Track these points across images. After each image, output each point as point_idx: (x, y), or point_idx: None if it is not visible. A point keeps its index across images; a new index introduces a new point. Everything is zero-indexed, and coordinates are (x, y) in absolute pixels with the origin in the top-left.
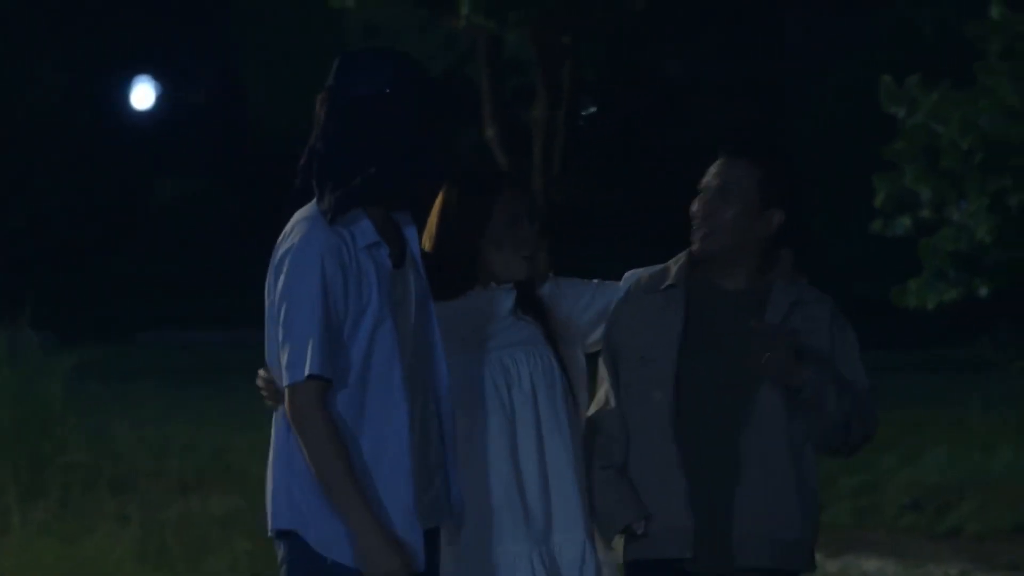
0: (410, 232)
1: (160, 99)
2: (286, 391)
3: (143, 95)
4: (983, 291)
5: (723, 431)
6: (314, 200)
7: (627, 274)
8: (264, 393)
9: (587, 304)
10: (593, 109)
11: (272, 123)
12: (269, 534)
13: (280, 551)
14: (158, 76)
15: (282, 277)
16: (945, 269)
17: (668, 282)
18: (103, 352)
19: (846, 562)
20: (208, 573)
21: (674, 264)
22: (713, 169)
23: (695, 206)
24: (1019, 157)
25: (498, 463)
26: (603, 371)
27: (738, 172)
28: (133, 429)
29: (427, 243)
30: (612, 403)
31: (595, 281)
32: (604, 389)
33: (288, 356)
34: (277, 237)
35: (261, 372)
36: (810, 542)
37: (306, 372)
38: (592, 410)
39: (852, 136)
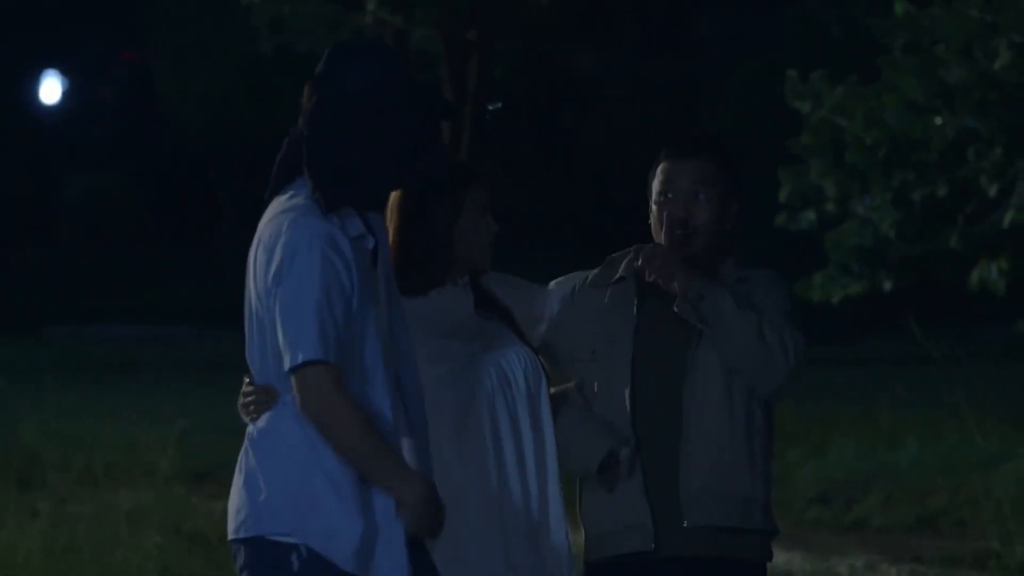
0: (381, 231)
1: (68, 94)
2: (295, 379)
3: (51, 90)
4: (887, 285)
5: (669, 406)
6: (290, 193)
7: (553, 283)
8: (251, 407)
9: (526, 304)
10: (499, 104)
11: (182, 117)
12: (234, 537)
13: (241, 557)
14: (66, 71)
15: (278, 268)
16: (849, 263)
17: (618, 275)
18: (11, 346)
19: None
20: (118, 567)
21: (621, 258)
22: (669, 172)
23: (666, 211)
24: (923, 152)
25: (501, 465)
26: (550, 371)
27: (700, 171)
28: (41, 423)
29: (392, 240)
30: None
31: (520, 280)
32: (562, 387)
33: (289, 341)
34: (186, 231)
35: (247, 385)
36: (763, 500)
37: (312, 355)
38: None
39: (758, 131)
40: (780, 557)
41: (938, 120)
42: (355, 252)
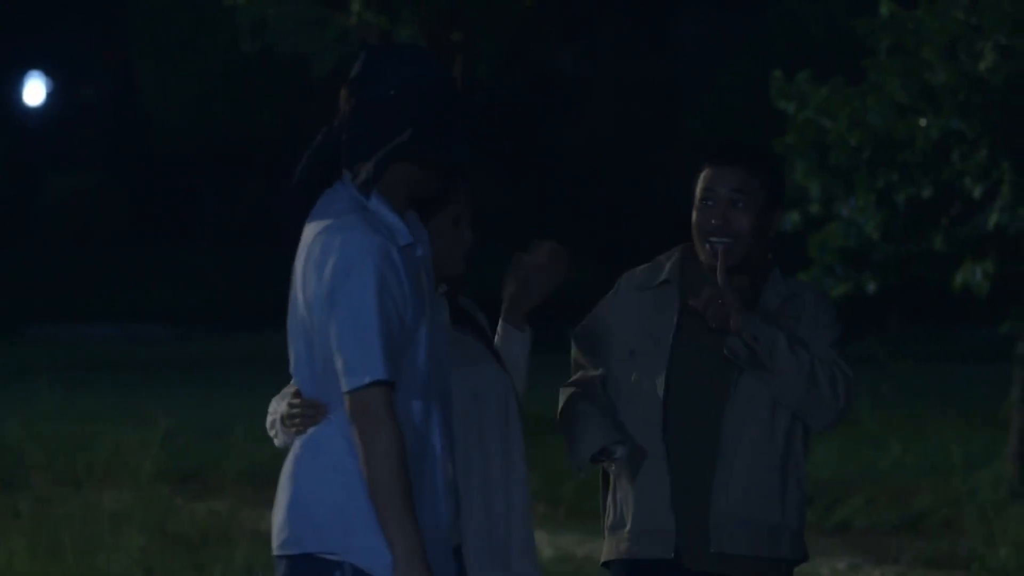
0: (422, 237)
1: (52, 95)
2: (352, 399)
3: (35, 91)
4: (871, 287)
5: (706, 422)
6: (331, 201)
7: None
8: (297, 420)
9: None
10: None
11: (165, 118)
12: (284, 553)
13: (280, 571)
14: (50, 72)
15: (331, 286)
16: (833, 265)
17: (662, 278)
18: None
19: None
20: (101, 569)
21: (666, 260)
22: (712, 178)
23: (703, 217)
24: (907, 153)
25: (472, 489)
26: (581, 361)
27: (743, 180)
28: (24, 424)
29: None
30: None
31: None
32: (580, 373)
33: (352, 361)
34: (169, 231)
35: (293, 398)
36: (795, 528)
37: (376, 376)
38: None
39: (741, 131)
40: None
41: (923, 121)
42: (406, 262)
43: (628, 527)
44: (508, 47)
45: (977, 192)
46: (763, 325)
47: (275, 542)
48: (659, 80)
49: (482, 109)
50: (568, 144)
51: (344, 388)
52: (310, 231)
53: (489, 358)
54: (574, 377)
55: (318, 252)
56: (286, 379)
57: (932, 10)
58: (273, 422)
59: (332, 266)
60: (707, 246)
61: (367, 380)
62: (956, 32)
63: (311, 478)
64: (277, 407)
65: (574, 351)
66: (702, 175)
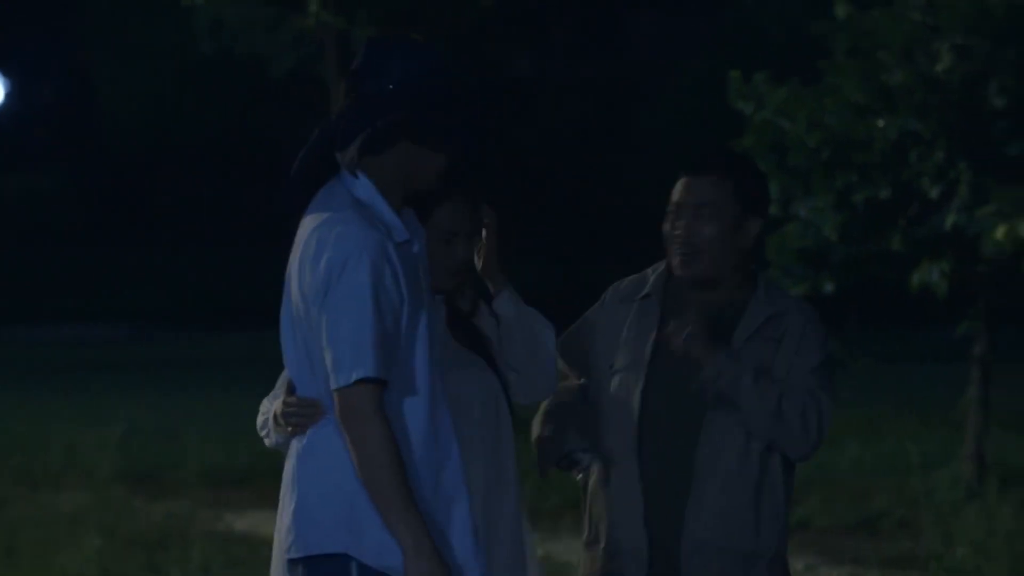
0: (419, 234)
1: (9, 96)
2: (340, 396)
3: None
4: (829, 287)
5: (680, 444)
6: (327, 197)
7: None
8: (294, 419)
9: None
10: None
11: (122, 118)
12: (292, 556)
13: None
14: (6, 72)
15: (325, 281)
16: (792, 266)
17: (644, 291)
18: None
19: None
20: (57, 570)
21: (652, 272)
22: (681, 187)
23: (669, 227)
24: (864, 154)
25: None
26: (566, 371)
27: (710, 189)
28: None
29: None
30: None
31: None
32: (563, 383)
33: (341, 358)
34: (126, 231)
35: (288, 396)
36: (771, 556)
37: (364, 374)
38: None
39: (697, 132)
40: None
41: (880, 122)
42: (403, 259)
43: (603, 544)
44: (465, 48)
45: (934, 193)
46: (728, 362)
47: (284, 546)
48: (615, 81)
49: (487, 104)
50: (522, 144)
51: (333, 385)
52: (306, 226)
53: (477, 364)
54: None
55: (314, 246)
56: (244, 379)
57: (888, 11)
58: (265, 421)
59: (327, 261)
60: (676, 258)
61: (355, 377)
62: (912, 33)
63: (314, 479)
64: (270, 406)
65: (559, 361)
66: (677, 183)
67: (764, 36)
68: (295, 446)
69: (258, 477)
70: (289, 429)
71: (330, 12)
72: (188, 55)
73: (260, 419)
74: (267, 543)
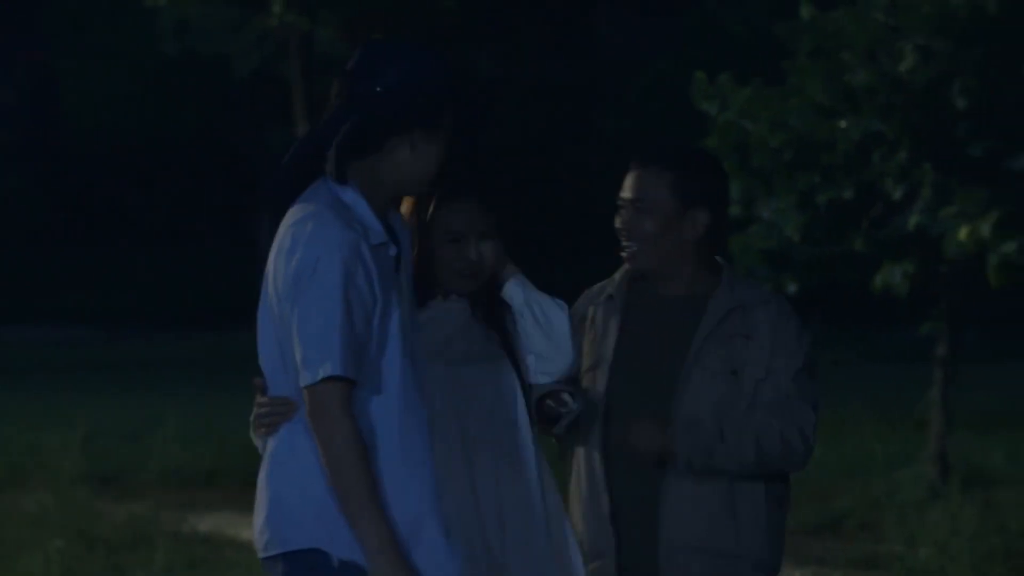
0: (403, 234)
1: None
2: (308, 394)
3: None
4: (792, 288)
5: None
6: (310, 198)
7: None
8: (267, 419)
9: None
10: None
11: (85, 119)
12: (266, 555)
13: (277, 573)
14: None
15: (296, 279)
16: (755, 266)
17: (607, 292)
18: None
19: None
20: (20, 571)
21: (618, 273)
22: (627, 181)
23: (616, 222)
24: (827, 155)
25: (454, 491)
26: None
27: (649, 181)
28: None
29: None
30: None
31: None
32: None
33: (309, 356)
34: (89, 232)
35: (260, 397)
36: (757, 558)
37: (331, 372)
38: None
39: (661, 133)
40: None
41: (843, 123)
42: (377, 261)
43: (584, 547)
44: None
45: (898, 194)
46: (690, 443)
47: (259, 544)
48: (580, 82)
49: (486, 108)
50: (486, 144)
51: (301, 383)
52: (285, 223)
53: (496, 359)
54: None
55: (288, 244)
56: (207, 381)
57: (852, 12)
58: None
59: (299, 258)
60: (623, 253)
61: (322, 375)
62: (876, 34)
63: (288, 477)
64: None
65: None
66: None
67: (728, 37)
68: (270, 445)
69: (222, 478)
70: (262, 431)
71: (293, 13)
72: (152, 56)
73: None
74: (231, 544)
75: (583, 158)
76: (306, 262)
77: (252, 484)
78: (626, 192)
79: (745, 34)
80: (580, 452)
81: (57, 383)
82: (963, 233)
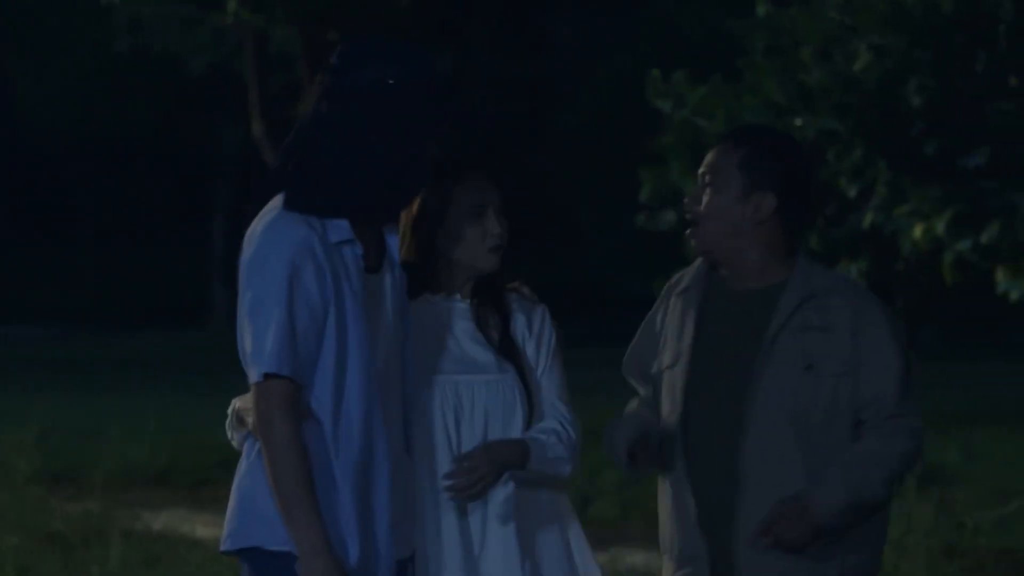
0: (391, 236)
1: None
2: (253, 392)
3: None
4: None
5: (726, 443)
6: (282, 194)
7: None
8: (237, 426)
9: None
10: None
11: (39, 117)
12: (227, 548)
13: (245, 571)
14: None
15: (246, 274)
16: None
17: (683, 284)
18: None
19: (612, 555)
20: None
21: (697, 261)
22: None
23: (686, 200)
24: None
25: (445, 508)
26: (633, 382)
27: (720, 156)
28: None
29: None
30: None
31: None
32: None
33: (252, 355)
34: (42, 230)
35: (236, 402)
36: (840, 560)
37: (270, 370)
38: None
39: (617, 131)
40: (639, 558)
41: (798, 121)
42: (332, 259)
43: (671, 552)
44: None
45: (852, 192)
46: (824, 516)
47: (224, 538)
48: (534, 79)
49: (472, 105)
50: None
51: (249, 380)
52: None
53: (497, 369)
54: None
55: (247, 238)
56: (161, 378)
57: (806, 10)
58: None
59: (250, 255)
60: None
61: (261, 373)
62: (830, 32)
63: (255, 474)
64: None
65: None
66: None
67: (684, 35)
68: (246, 443)
69: (177, 476)
70: (244, 429)
71: (248, 10)
72: (106, 53)
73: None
74: (185, 541)
75: (537, 155)
76: (255, 259)
77: (206, 482)
78: (701, 167)
79: (701, 32)
80: (667, 456)
81: (10, 381)
82: (918, 231)
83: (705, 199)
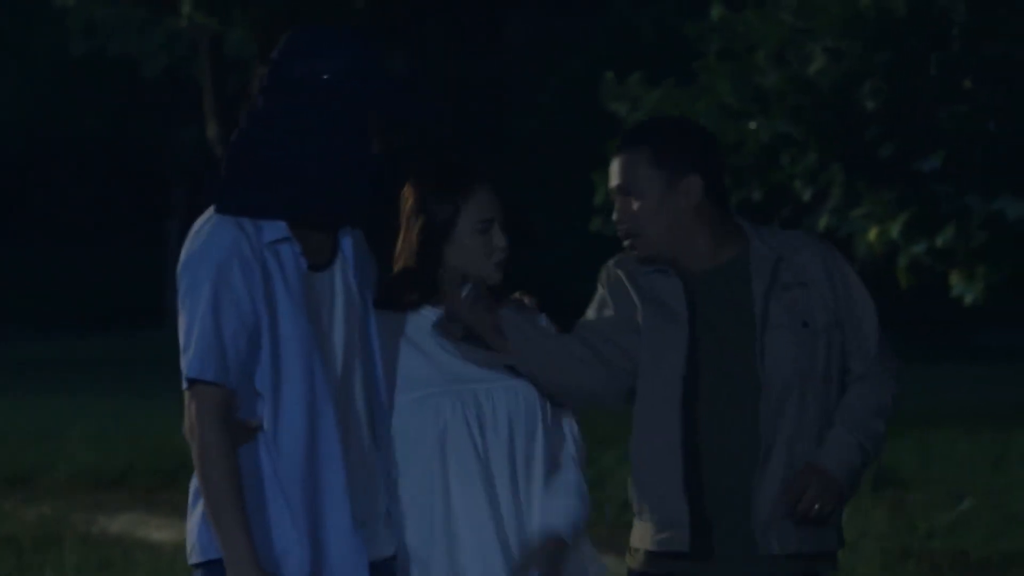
0: (344, 236)
1: None
2: (185, 397)
3: None
4: None
5: (744, 410)
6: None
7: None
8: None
9: None
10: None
11: None
12: (191, 561)
13: None
14: None
15: (177, 279)
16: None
17: (628, 267)
18: None
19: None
20: None
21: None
22: (611, 171)
23: (614, 216)
24: (737, 156)
25: (475, 514)
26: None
27: (630, 162)
28: None
29: (398, 246)
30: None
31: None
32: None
33: (183, 360)
34: (1, 234)
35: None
36: (839, 519)
37: (194, 375)
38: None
39: (573, 134)
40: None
41: (753, 124)
42: (265, 259)
43: (648, 515)
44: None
45: (807, 195)
46: (845, 479)
47: (188, 552)
48: (489, 81)
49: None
50: (396, 144)
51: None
52: None
53: (507, 376)
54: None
55: (184, 245)
56: (118, 381)
57: (761, 13)
58: None
59: (181, 262)
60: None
61: (187, 379)
62: (785, 35)
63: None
64: None
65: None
66: None
67: (639, 37)
68: None
69: (132, 479)
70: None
71: (203, 13)
72: (61, 56)
73: None
74: (141, 545)
75: (491, 157)
76: (184, 264)
77: (162, 485)
78: (612, 181)
79: (656, 35)
80: (652, 424)
81: None
82: (872, 234)
83: (630, 207)
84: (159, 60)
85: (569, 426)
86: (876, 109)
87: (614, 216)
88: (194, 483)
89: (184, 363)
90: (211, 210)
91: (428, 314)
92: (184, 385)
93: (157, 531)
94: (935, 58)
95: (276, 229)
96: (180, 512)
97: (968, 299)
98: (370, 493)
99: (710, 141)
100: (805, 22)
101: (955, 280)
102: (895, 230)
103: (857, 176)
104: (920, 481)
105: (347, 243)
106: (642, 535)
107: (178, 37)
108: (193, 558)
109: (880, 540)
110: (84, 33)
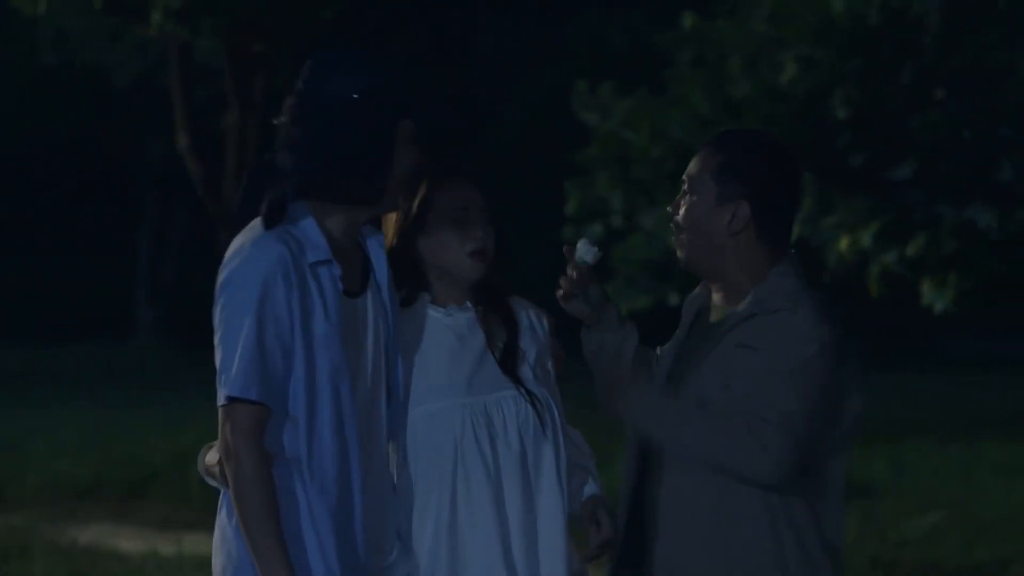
0: (377, 255)
1: None
2: (219, 413)
3: None
4: (674, 299)
5: (655, 470)
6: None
7: None
8: (214, 472)
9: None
10: (284, 118)
11: None
12: None
13: None
14: None
15: (218, 292)
16: (637, 276)
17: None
18: None
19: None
20: None
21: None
22: None
23: (669, 207)
24: None
25: (484, 528)
26: None
27: (698, 162)
28: None
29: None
30: None
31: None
32: None
33: (219, 377)
34: None
35: (203, 452)
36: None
37: (236, 393)
38: None
39: (545, 143)
40: None
41: None
42: (306, 280)
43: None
44: (308, 58)
45: None
46: (635, 407)
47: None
48: (459, 91)
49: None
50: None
51: (217, 403)
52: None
53: (509, 384)
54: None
55: (225, 258)
56: (85, 392)
57: (733, 22)
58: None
59: (224, 275)
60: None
61: (226, 396)
62: (757, 44)
63: (230, 517)
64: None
65: None
66: None
67: (610, 47)
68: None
69: (103, 490)
70: (212, 469)
71: (172, 23)
72: (31, 66)
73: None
74: (111, 556)
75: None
76: (226, 279)
77: (132, 496)
78: (688, 168)
79: (627, 44)
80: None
81: None
82: (844, 243)
83: (684, 207)
84: (129, 70)
85: (575, 433)
86: (848, 117)
87: (668, 208)
88: (222, 512)
89: (224, 380)
90: (250, 230)
91: (432, 315)
92: (221, 402)
93: (126, 541)
94: (907, 66)
95: (318, 251)
96: (150, 523)
97: (939, 307)
98: (387, 519)
99: (786, 177)
100: (777, 31)
101: (926, 288)
102: (866, 239)
103: (829, 184)
104: (891, 491)
105: (379, 264)
106: None
107: (148, 47)
108: None
109: (851, 550)
110: (54, 43)
